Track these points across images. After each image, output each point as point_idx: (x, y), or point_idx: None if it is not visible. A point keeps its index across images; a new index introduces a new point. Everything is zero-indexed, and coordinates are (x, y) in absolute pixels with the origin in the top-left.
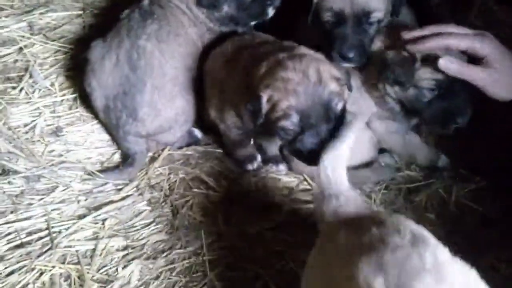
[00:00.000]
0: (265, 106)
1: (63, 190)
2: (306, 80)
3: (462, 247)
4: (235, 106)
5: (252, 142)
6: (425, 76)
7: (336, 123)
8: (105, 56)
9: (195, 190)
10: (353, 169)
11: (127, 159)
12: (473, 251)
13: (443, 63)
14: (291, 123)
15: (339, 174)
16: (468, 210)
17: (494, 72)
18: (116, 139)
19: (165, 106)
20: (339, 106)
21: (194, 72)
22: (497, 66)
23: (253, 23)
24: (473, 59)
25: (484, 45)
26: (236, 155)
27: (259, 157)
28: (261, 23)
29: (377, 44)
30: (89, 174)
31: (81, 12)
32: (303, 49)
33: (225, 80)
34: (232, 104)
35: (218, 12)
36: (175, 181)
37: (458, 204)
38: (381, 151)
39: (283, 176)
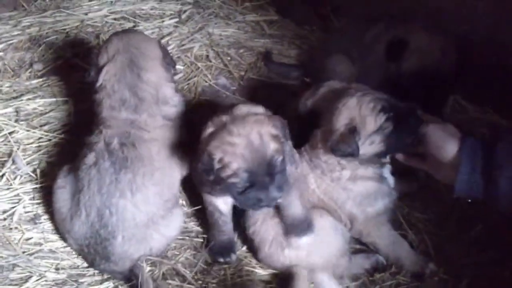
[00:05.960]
0: (216, 165)
1: (37, 280)
2: (250, 144)
3: None
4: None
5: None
6: None
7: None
8: (73, 215)
9: (170, 281)
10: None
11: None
12: None
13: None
14: (240, 180)
15: None
16: None
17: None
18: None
19: (138, 250)
20: (279, 160)
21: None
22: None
23: None
24: None
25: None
26: (213, 241)
27: (235, 253)
28: None
29: None
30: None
31: (67, 98)
32: (242, 108)
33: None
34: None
35: None
36: (152, 272)
37: None
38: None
39: (260, 269)
